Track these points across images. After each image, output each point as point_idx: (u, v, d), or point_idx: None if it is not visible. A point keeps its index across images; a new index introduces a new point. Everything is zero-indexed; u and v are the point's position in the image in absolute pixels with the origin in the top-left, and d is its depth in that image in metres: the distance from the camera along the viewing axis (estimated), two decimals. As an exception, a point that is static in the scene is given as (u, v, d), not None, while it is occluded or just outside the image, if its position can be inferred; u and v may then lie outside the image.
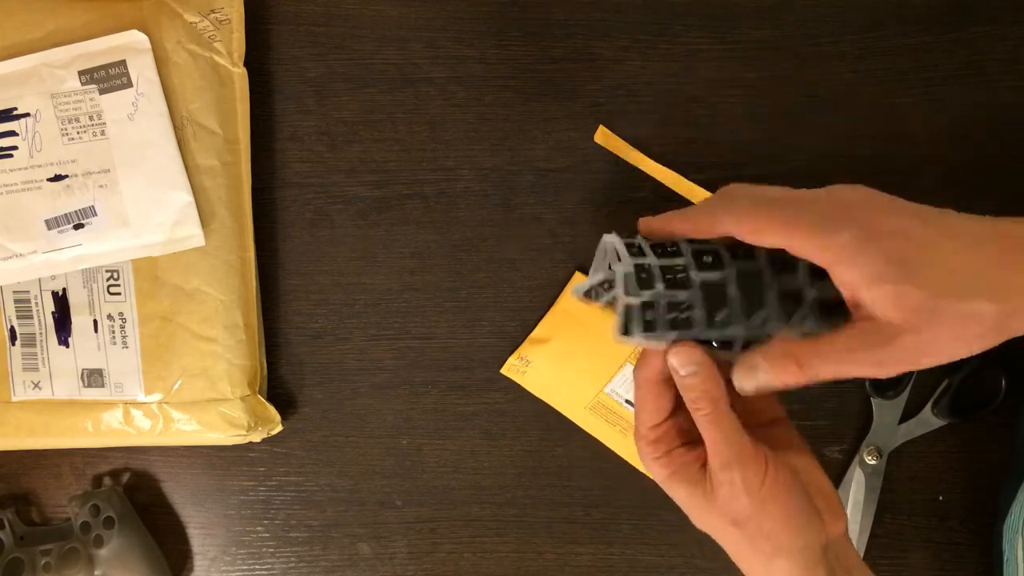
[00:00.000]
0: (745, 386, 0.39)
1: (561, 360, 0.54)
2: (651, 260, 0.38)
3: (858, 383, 0.55)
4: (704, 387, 0.38)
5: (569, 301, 0.54)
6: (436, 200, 0.55)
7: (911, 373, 0.54)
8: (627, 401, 0.54)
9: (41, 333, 0.52)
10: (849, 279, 0.35)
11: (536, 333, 0.55)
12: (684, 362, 0.38)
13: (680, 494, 0.39)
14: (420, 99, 0.55)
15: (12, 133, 0.50)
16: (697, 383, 0.38)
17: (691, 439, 0.40)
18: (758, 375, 0.38)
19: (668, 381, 0.39)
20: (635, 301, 0.38)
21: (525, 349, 0.55)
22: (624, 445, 0.55)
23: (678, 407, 0.40)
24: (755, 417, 0.42)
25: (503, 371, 0.55)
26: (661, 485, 0.40)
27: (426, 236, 0.55)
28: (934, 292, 0.34)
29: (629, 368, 0.54)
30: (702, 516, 0.39)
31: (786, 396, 0.55)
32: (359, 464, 0.56)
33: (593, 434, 0.55)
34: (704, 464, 0.39)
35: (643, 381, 0.40)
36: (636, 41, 0.55)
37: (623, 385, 0.54)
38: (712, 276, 0.39)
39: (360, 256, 0.55)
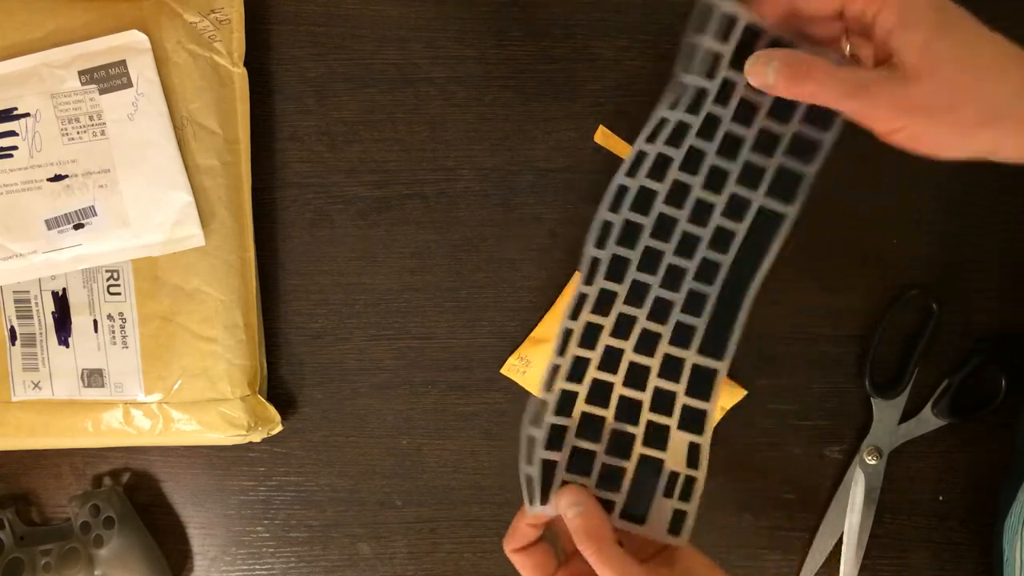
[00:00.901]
0: (754, 78, 0.40)
1: None
2: (549, 420, 0.42)
3: (858, 383, 0.55)
4: (588, 525, 0.39)
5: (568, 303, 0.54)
6: (436, 200, 0.55)
7: (912, 372, 0.54)
8: None
9: (41, 333, 0.52)
10: (890, 23, 0.37)
11: (536, 333, 0.55)
12: (570, 502, 0.40)
13: None
14: (420, 99, 0.55)
15: (12, 133, 0.50)
16: (581, 523, 0.40)
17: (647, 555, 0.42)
18: (768, 71, 0.39)
19: (539, 544, 0.42)
20: (532, 471, 0.41)
21: (525, 349, 0.55)
22: None
23: (564, 561, 0.42)
24: (646, 548, 0.43)
25: (503, 371, 0.55)
26: None
27: (426, 236, 0.55)
28: (965, 53, 0.37)
29: None
30: None
31: (784, 395, 0.55)
32: (359, 464, 0.56)
33: None
34: None
35: (516, 552, 0.42)
36: (636, 41, 0.55)
37: None
38: (587, 445, 0.42)
39: (360, 256, 0.55)
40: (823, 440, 0.55)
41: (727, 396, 0.54)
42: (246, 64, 0.52)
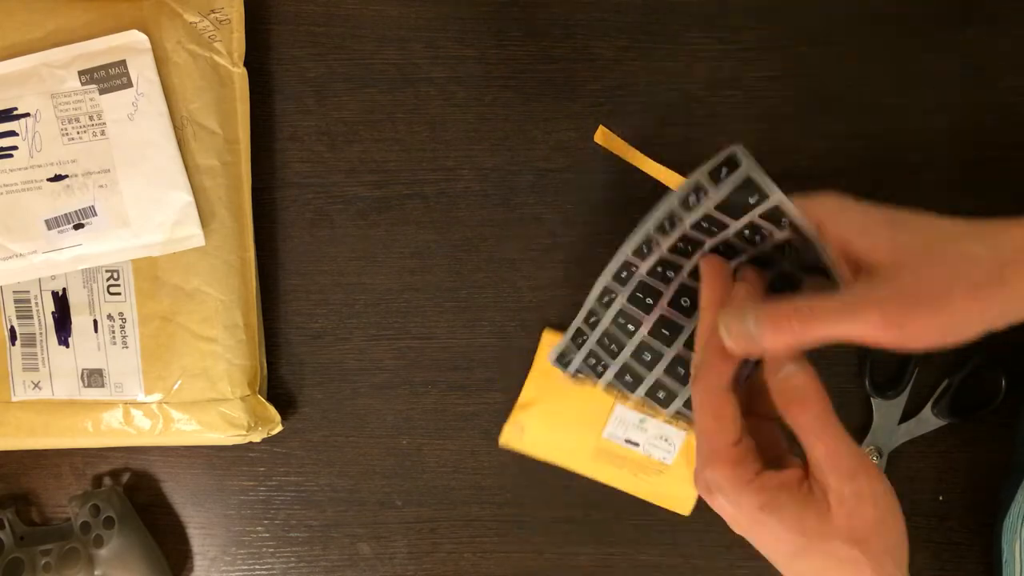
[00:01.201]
0: (732, 343, 0.35)
1: (554, 417, 0.54)
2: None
3: (858, 383, 0.55)
4: (814, 384, 0.34)
5: (547, 361, 0.53)
6: (436, 200, 0.55)
7: (912, 372, 0.54)
8: (627, 441, 0.54)
9: (41, 333, 0.52)
10: (840, 232, 0.36)
11: (523, 398, 0.54)
12: (793, 355, 0.35)
13: (779, 525, 0.33)
14: (420, 99, 0.55)
15: (12, 133, 0.50)
16: (806, 381, 0.34)
17: (767, 462, 0.36)
18: (748, 322, 0.34)
19: (735, 388, 0.36)
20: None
21: (517, 416, 0.54)
22: (637, 485, 0.54)
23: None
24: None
25: (502, 443, 0.54)
26: (745, 523, 0.34)
27: (426, 236, 0.55)
28: (925, 235, 0.35)
29: (621, 410, 0.54)
30: (813, 545, 0.33)
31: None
32: (359, 464, 0.56)
33: (604, 481, 0.55)
34: (802, 483, 0.34)
35: (712, 389, 0.36)
36: (636, 41, 0.55)
37: (619, 427, 0.54)
38: None
39: (360, 256, 0.55)
40: (823, 440, 0.55)
41: None
42: (246, 64, 0.52)
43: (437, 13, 0.55)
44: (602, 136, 0.54)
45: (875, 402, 0.54)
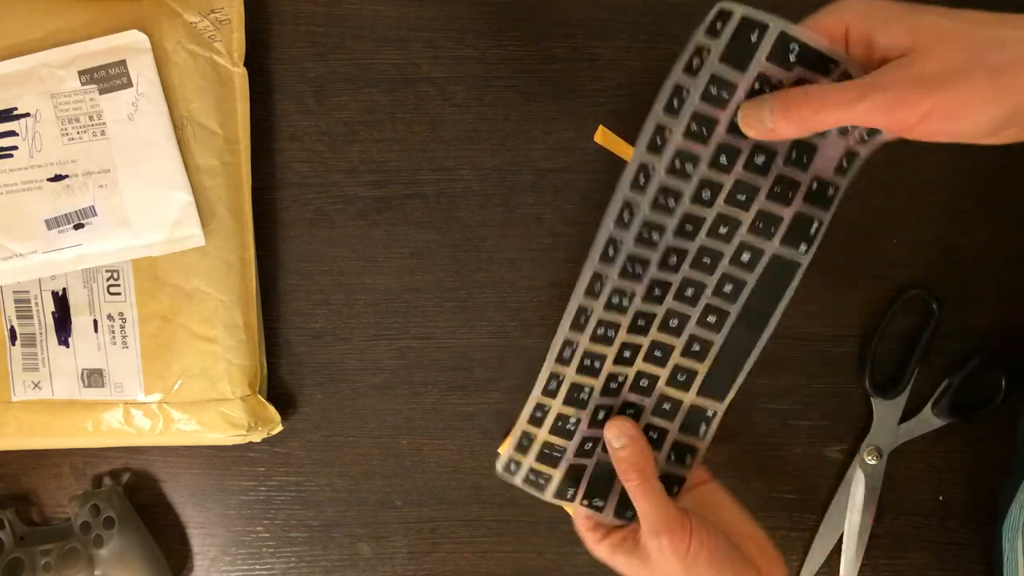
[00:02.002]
0: (751, 127, 0.39)
1: None
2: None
3: (858, 383, 0.55)
4: (634, 459, 0.42)
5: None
6: (436, 200, 0.55)
7: (912, 372, 0.54)
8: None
9: (41, 333, 0.52)
10: (865, 29, 0.36)
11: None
12: (617, 435, 0.43)
13: (620, 564, 0.43)
14: (420, 99, 0.55)
15: (12, 133, 0.50)
16: (627, 455, 0.42)
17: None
18: (764, 114, 0.37)
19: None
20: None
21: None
22: None
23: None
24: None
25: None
26: (608, 563, 0.44)
27: (426, 236, 0.55)
28: (951, 18, 0.35)
29: None
30: None
31: (784, 395, 0.55)
32: (359, 464, 0.56)
33: None
34: (628, 539, 0.43)
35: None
36: (636, 41, 0.55)
37: None
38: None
39: (360, 256, 0.55)
40: (823, 440, 0.55)
41: None
42: (246, 64, 0.52)
43: (437, 13, 0.55)
44: (602, 136, 0.54)
45: (875, 402, 0.54)
